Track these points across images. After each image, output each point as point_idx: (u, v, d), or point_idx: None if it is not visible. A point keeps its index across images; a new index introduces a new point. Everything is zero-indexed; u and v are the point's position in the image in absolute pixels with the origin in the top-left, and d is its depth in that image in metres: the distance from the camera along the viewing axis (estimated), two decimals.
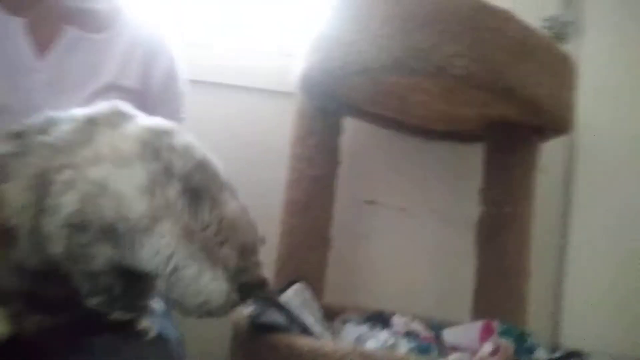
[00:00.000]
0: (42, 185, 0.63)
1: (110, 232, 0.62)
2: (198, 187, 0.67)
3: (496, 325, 1.13)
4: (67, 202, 0.61)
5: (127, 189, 0.62)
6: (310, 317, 1.10)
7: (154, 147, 0.66)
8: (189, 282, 0.63)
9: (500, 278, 1.24)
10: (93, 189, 0.62)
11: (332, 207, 1.31)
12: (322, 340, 1.02)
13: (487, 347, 1.05)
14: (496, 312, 1.20)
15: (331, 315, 1.24)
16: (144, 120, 0.71)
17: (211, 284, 0.64)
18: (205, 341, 1.16)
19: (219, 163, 0.74)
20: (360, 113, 1.36)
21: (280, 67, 1.44)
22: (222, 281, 0.66)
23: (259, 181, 1.43)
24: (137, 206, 0.62)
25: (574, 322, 1.46)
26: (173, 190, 0.64)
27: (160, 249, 0.62)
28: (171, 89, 1.03)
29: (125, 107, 0.72)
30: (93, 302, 0.66)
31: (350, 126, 1.36)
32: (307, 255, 1.26)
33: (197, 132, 1.31)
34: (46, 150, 0.65)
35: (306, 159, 1.26)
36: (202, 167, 0.69)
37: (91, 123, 0.68)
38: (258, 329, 1.00)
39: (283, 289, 1.14)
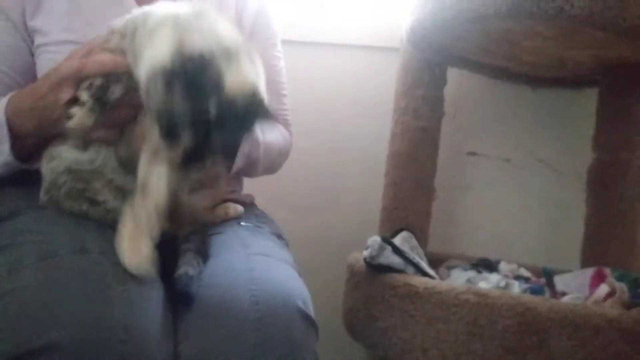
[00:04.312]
0: None
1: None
2: None
3: (608, 271, 1.12)
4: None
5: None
6: (422, 261, 1.15)
7: None
8: None
9: (614, 226, 1.22)
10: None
11: (436, 158, 1.33)
12: (437, 280, 1.07)
13: (603, 290, 1.05)
14: (608, 260, 1.19)
15: (436, 263, 1.28)
16: None
17: None
18: (323, 284, 1.25)
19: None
20: (466, 63, 1.36)
21: (383, 24, 1.47)
22: None
23: (364, 135, 1.49)
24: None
25: None
26: None
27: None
28: (261, 24, 1.04)
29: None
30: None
31: (454, 77, 1.36)
32: (411, 205, 1.30)
33: (304, 90, 1.41)
34: None
35: (411, 111, 1.29)
36: None
37: None
38: (375, 270, 1.07)
39: (390, 237, 1.19)
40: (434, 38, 1.16)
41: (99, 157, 0.74)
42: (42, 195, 0.77)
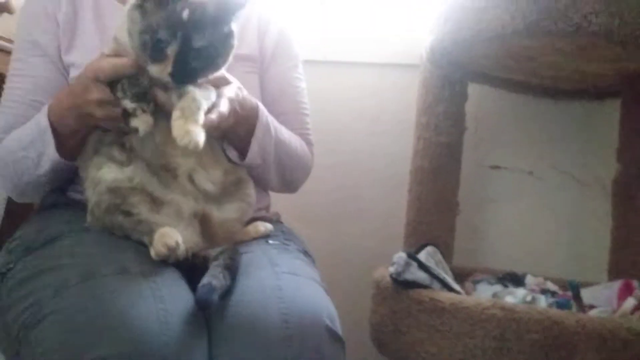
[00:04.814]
0: None
1: None
2: None
3: (636, 284, 1.12)
4: None
5: None
6: (447, 276, 1.16)
7: None
8: None
9: None
10: None
11: (459, 173, 1.35)
12: (463, 295, 1.08)
13: (630, 303, 1.04)
14: (635, 271, 1.19)
15: (461, 277, 1.28)
16: None
17: None
18: (347, 299, 1.26)
19: None
20: (486, 78, 1.38)
21: (402, 41, 1.50)
22: None
23: (386, 153, 1.52)
24: None
25: None
26: None
27: None
28: (282, 48, 1.07)
29: None
30: None
31: (475, 91, 1.38)
32: (435, 220, 1.31)
33: (326, 108, 1.44)
34: None
35: (433, 127, 1.30)
36: None
37: None
38: (401, 286, 1.09)
39: (415, 252, 1.20)
40: (453, 56, 1.19)
41: (136, 174, 0.80)
42: (88, 217, 0.82)
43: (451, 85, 1.28)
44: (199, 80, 0.79)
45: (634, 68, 1.17)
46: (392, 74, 1.51)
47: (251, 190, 0.92)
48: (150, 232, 0.77)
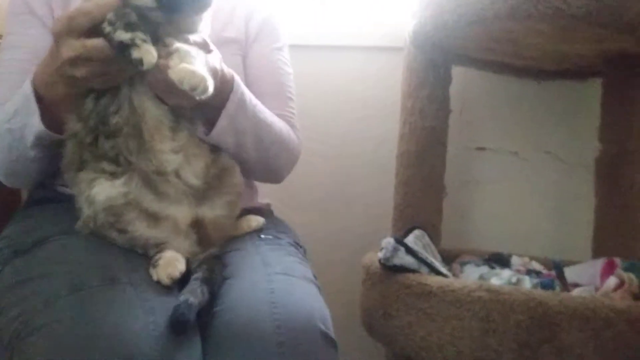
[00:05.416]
0: None
1: None
2: None
3: (618, 261, 1.14)
4: None
5: None
6: (435, 259, 1.18)
7: None
8: None
9: (623, 215, 1.24)
10: None
11: (445, 155, 1.36)
12: (450, 278, 1.10)
13: (612, 281, 1.07)
14: (618, 250, 1.21)
15: (449, 259, 1.31)
16: None
17: None
18: (337, 284, 1.28)
19: None
20: (470, 61, 1.38)
21: (387, 24, 1.49)
22: None
23: (372, 136, 1.52)
24: None
25: None
26: None
27: None
28: (266, 30, 1.07)
29: None
30: None
31: (459, 74, 1.38)
32: (422, 203, 1.32)
33: (312, 93, 1.44)
34: None
35: (418, 111, 1.30)
36: None
37: None
38: (389, 271, 1.10)
39: (403, 236, 1.21)
40: (436, 40, 1.18)
41: (130, 188, 0.77)
42: (79, 223, 0.79)
43: (435, 68, 1.28)
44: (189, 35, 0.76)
45: (615, 49, 1.17)
46: (379, 57, 1.50)
47: (237, 178, 0.90)
48: (147, 247, 0.77)
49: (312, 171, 1.44)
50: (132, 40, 0.70)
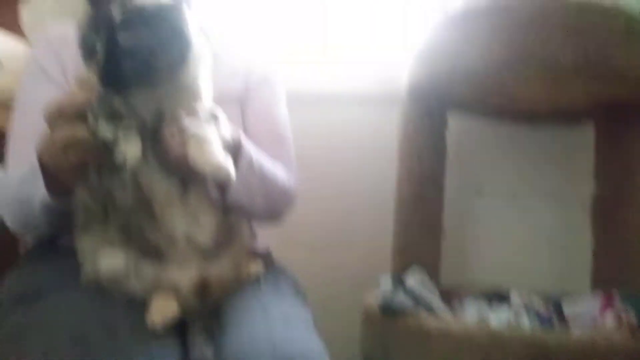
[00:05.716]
0: None
1: None
2: None
3: (617, 296, 1.14)
4: None
5: None
6: (434, 298, 1.19)
7: None
8: None
9: (621, 253, 1.26)
10: None
11: (443, 199, 1.38)
12: (449, 320, 1.11)
13: (609, 318, 1.08)
14: (616, 283, 1.22)
15: (448, 296, 1.29)
16: None
17: None
18: (336, 327, 1.28)
19: None
20: (465, 107, 1.42)
21: (382, 77, 1.56)
22: None
23: (372, 181, 1.56)
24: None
25: None
26: None
27: None
28: (265, 88, 1.08)
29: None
30: None
31: (455, 120, 1.43)
32: (421, 245, 1.34)
33: (312, 142, 1.48)
34: None
35: (415, 158, 1.33)
36: None
37: None
38: (388, 313, 1.12)
39: (402, 275, 1.23)
40: (431, 93, 1.23)
41: (137, 259, 0.77)
42: (84, 277, 0.79)
43: (431, 116, 1.32)
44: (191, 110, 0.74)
45: (604, 97, 1.23)
46: (375, 107, 1.55)
47: (245, 236, 0.90)
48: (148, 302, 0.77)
49: (312, 212, 1.45)
50: (114, 135, 0.68)
